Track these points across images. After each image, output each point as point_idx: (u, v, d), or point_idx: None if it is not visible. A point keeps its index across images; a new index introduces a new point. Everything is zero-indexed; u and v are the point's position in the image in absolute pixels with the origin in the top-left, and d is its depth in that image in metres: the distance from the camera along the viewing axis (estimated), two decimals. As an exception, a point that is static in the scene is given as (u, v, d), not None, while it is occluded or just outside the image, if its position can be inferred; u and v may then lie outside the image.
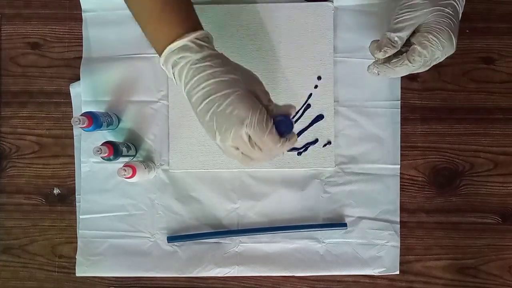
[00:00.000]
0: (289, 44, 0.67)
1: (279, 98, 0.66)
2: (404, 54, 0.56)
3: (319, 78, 0.66)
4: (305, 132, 0.66)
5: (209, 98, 0.47)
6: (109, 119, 0.64)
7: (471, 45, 0.67)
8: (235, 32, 0.67)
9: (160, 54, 0.50)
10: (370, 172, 0.66)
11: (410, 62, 0.55)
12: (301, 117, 0.66)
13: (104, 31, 0.68)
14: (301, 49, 0.66)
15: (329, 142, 0.66)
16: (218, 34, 0.66)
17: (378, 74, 0.58)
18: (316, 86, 0.66)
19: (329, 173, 0.66)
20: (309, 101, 0.66)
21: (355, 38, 0.67)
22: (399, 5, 0.56)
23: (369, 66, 0.59)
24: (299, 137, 0.66)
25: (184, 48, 0.48)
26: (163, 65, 0.50)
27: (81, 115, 0.59)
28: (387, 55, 0.56)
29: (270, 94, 0.51)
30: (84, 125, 0.59)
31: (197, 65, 0.48)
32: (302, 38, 0.66)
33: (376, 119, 0.66)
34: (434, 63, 0.56)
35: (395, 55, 0.57)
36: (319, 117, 0.66)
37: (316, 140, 0.66)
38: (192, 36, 0.48)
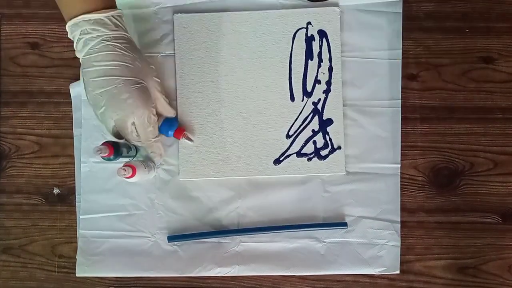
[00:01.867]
0: (297, 50, 0.66)
1: (284, 103, 0.66)
2: None
3: (328, 83, 0.66)
4: (314, 137, 0.66)
5: (109, 77, 0.51)
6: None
7: (471, 44, 0.67)
8: (242, 39, 0.66)
9: (70, 18, 0.52)
10: (370, 171, 0.66)
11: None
12: (310, 123, 0.66)
13: (104, 30, 0.68)
14: (308, 54, 0.66)
15: (339, 147, 0.66)
16: (224, 42, 0.67)
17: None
18: (324, 91, 0.66)
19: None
20: (318, 106, 0.66)
21: (356, 38, 0.67)
22: None
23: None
24: (308, 143, 0.66)
25: (99, 22, 0.51)
26: (70, 26, 0.52)
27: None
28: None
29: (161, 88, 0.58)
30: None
31: (108, 42, 0.51)
32: (308, 43, 0.66)
33: (376, 119, 0.66)
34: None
35: None
36: (328, 122, 0.66)
37: (325, 145, 0.66)
38: (110, 13, 0.52)
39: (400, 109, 0.66)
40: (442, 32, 0.67)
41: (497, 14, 0.67)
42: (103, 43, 0.51)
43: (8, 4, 0.69)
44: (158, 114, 0.61)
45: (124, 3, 0.67)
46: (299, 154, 0.66)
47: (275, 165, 0.66)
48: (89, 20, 0.51)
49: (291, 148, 0.66)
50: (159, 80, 0.58)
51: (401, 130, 0.66)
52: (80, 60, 0.54)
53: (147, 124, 0.55)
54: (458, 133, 0.67)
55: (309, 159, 0.66)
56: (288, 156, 0.66)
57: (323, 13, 0.66)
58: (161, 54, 0.67)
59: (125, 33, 0.54)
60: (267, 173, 0.66)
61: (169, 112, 0.62)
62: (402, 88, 0.67)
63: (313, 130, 0.66)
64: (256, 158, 0.66)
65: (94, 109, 0.55)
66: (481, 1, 0.67)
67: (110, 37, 0.52)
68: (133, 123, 0.54)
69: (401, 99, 0.67)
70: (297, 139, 0.66)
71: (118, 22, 0.53)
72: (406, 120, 0.67)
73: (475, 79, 0.67)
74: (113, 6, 0.54)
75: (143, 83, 0.54)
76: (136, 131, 0.56)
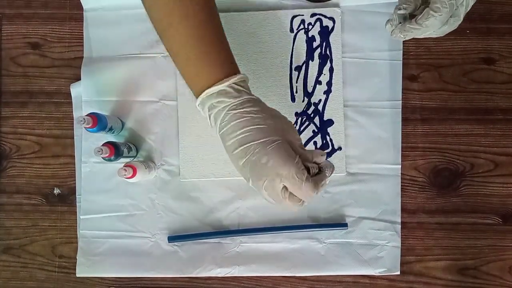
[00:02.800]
0: (298, 50, 0.66)
1: (285, 104, 0.66)
2: (427, 8, 0.50)
3: (328, 84, 0.66)
4: (315, 137, 0.66)
5: (245, 146, 0.47)
6: (113, 123, 0.64)
7: (472, 45, 0.67)
8: (242, 40, 0.66)
9: (197, 96, 0.49)
10: (371, 172, 0.66)
11: (435, 12, 0.49)
12: (311, 123, 0.66)
13: (105, 30, 0.68)
14: (309, 55, 0.66)
15: (339, 148, 0.66)
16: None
17: (405, 38, 0.53)
18: (325, 92, 0.66)
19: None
20: (318, 107, 0.66)
21: (356, 38, 0.67)
22: None
23: (392, 30, 0.53)
24: (308, 144, 0.66)
25: (222, 93, 0.48)
26: (198, 105, 0.50)
27: (86, 115, 0.59)
28: (408, 12, 0.52)
29: (301, 140, 0.50)
30: (89, 126, 0.59)
31: (234, 111, 0.47)
32: (309, 44, 0.66)
33: (377, 119, 0.66)
34: (463, 10, 0.51)
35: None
36: (329, 123, 0.66)
37: (326, 146, 0.66)
38: (231, 81, 0.48)
39: (400, 110, 0.66)
40: (442, 33, 0.67)
41: (498, 15, 0.67)
42: (230, 113, 0.47)
43: (9, 4, 0.69)
44: None
45: (125, 3, 0.67)
46: None
47: None
48: (213, 94, 0.48)
49: None
50: (297, 135, 0.50)
51: (402, 131, 0.66)
52: (219, 137, 0.50)
53: (299, 181, 0.46)
54: (459, 134, 0.67)
55: None
56: None
57: (324, 14, 0.66)
58: (162, 54, 0.67)
59: (250, 96, 0.49)
60: None
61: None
62: (402, 89, 0.67)
63: (313, 131, 0.66)
64: None
65: (247, 181, 0.50)
66: (482, 2, 0.67)
67: (235, 105, 0.48)
68: (284, 187, 0.47)
69: (402, 100, 0.67)
70: None
71: (240, 87, 0.49)
72: (407, 121, 0.67)
73: (476, 80, 0.67)
74: (235, 72, 0.50)
75: (280, 139, 0.47)
76: (293, 194, 0.48)
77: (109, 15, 0.68)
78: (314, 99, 0.66)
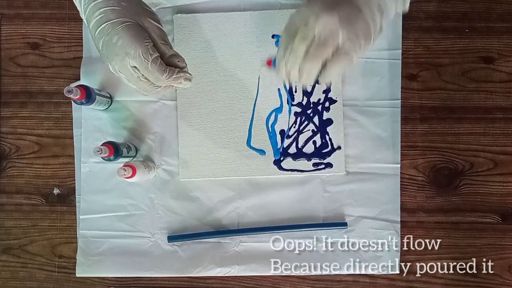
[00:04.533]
0: None
1: (284, 103, 0.66)
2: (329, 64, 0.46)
3: (327, 83, 0.66)
4: (314, 137, 0.66)
5: (101, 27, 0.48)
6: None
7: (471, 44, 0.67)
8: (241, 39, 0.66)
9: None
10: (370, 171, 0.66)
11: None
12: (310, 123, 0.66)
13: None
14: None
15: (339, 147, 0.66)
16: (223, 42, 0.67)
17: (319, 83, 0.56)
18: (324, 91, 0.66)
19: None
20: (318, 106, 0.66)
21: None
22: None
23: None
24: (308, 143, 0.66)
25: None
26: None
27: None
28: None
29: (167, 35, 0.51)
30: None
31: None
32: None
33: (376, 119, 0.66)
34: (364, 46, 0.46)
35: None
36: (328, 122, 0.66)
37: (325, 145, 0.66)
38: None
39: (399, 109, 0.66)
40: (442, 32, 0.67)
41: (497, 14, 0.67)
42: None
43: (8, 4, 0.69)
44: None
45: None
46: (299, 154, 0.66)
47: (275, 165, 0.66)
48: None
49: (291, 148, 0.66)
50: (158, 25, 0.51)
51: (401, 130, 0.66)
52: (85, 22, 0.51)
53: (145, 61, 0.47)
54: (458, 133, 0.67)
55: (309, 159, 0.66)
56: (288, 156, 0.66)
57: None
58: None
59: None
60: (267, 173, 0.66)
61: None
62: (402, 88, 0.67)
63: (313, 130, 0.66)
64: (256, 158, 0.66)
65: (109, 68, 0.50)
66: (481, 1, 0.67)
67: None
68: (134, 67, 0.48)
69: (401, 99, 0.67)
70: (297, 139, 0.66)
71: None
72: (406, 120, 0.67)
73: (475, 79, 0.67)
74: None
75: (132, 21, 0.48)
76: (141, 75, 0.49)
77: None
78: (313, 99, 0.66)
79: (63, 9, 0.69)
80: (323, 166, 0.66)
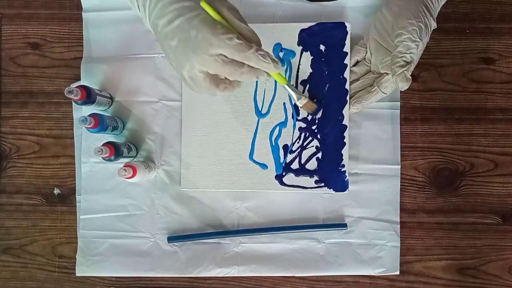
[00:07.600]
0: (305, 64, 0.66)
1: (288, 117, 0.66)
2: (376, 87, 0.62)
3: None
4: (318, 154, 0.65)
5: (173, 25, 0.47)
6: (114, 124, 0.64)
7: (471, 45, 0.67)
8: None
9: None
10: (370, 172, 0.66)
11: (383, 92, 0.62)
12: (315, 139, 0.65)
13: (105, 31, 0.68)
14: (318, 67, 0.65)
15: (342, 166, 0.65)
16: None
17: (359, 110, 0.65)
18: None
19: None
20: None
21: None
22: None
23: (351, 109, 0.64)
24: (311, 159, 0.65)
25: None
26: None
27: (89, 115, 0.59)
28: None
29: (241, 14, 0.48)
30: (90, 126, 0.59)
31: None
32: (318, 56, 0.65)
33: (376, 120, 0.66)
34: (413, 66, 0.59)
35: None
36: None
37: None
38: None
39: (399, 110, 0.66)
40: (442, 32, 0.67)
41: (498, 15, 0.67)
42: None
43: (9, 4, 0.69)
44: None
45: (124, 4, 0.67)
46: (301, 170, 0.65)
47: (276, 180, 0.65)
48: None
49: (293, 163, 0.65)
50: (230, 5, 0.48)
51: (401, 131, 0.66)
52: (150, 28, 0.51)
53: (229, 39, 0.45)
54: (459, 133, 0.67)
55: (311, 176, 0.65)
56: (290, 171, 0.65)
57: (332, 29, 0.65)
58: (162, 54, 0.67)
59: None
60: (269, 187, 0.65)
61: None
62: (402, 88, 0.66)
63: (316, 147, 0.65)
64: (258, 172, 0.65)
65: (181, 71, 0.49)
66: (481, 2, 0.67)
67: None
68: (219, 54, 0.46)
69: (402, 100, 0.66)
70: (300, 155, 0.65)
71: None
72: (407, 120, 0.67)
73: (476, 80, 0.67)
74: None
75: (201, 14, 0.46)
76: (226, 57, 0.47)
77: (108, 16, 0.68)
78: (318, 115, 0.65)
79: (64, 9, 0.69)
80: (323, 184, 0.65)
